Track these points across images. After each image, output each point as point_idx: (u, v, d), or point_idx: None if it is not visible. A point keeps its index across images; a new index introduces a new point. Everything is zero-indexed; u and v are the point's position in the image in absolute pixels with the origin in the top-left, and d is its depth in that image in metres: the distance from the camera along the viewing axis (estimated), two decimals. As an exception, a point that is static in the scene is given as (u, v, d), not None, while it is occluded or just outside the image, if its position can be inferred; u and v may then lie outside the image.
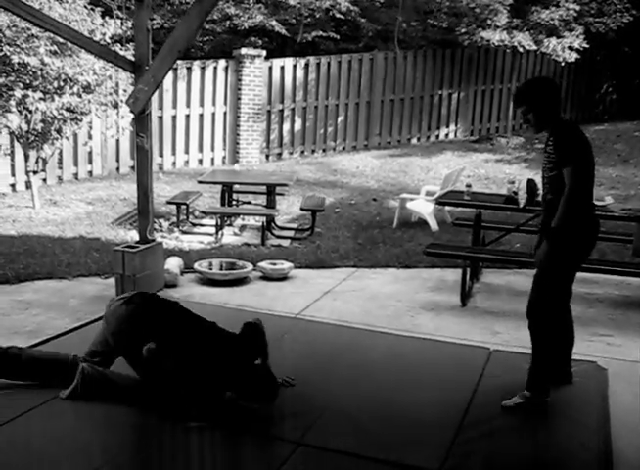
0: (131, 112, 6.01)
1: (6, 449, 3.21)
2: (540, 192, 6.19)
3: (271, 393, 3.59)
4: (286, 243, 8.16)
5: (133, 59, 6.01)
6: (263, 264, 6.72)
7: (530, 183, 6.16)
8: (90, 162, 11.47)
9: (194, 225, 8.82)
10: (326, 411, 3.66)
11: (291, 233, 8.67)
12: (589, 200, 3.92)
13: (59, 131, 9.21)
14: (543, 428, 3.61)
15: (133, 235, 7.78)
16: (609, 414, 3.87)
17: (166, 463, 3.24)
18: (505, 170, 12.21)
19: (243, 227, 8.86)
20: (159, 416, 3.55)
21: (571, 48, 13.37)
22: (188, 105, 12.24)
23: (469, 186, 6.51)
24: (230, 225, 8.87)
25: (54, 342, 4.58)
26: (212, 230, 8.33)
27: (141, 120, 5.93)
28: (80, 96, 8.97)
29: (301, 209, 8.77)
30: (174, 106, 12.10)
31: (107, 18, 9.31)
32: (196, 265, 6.58)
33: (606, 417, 3.79)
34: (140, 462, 3.24)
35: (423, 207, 8.82)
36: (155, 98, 11.68)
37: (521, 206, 6.04)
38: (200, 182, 8.88)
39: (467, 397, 3.91)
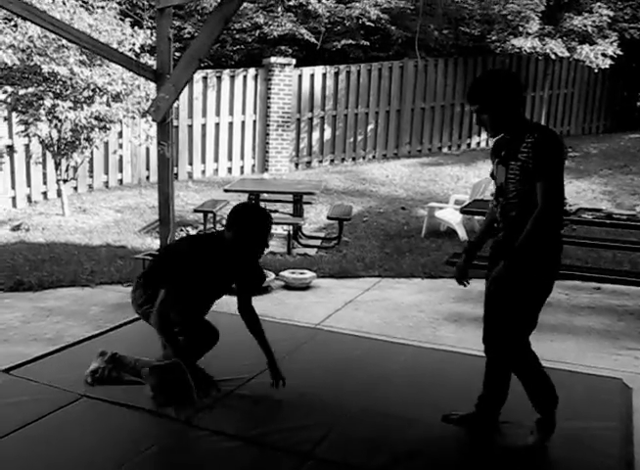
0: (153, 120, 6.01)
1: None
2: (567, 201, 6.11)
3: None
4: (312, 252, 8.11)
5: (155, 67, 6.02)
6: (285, 273, 6.68)
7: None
8: (121, 170, 11.57)
9: (221, 233, 8.80)
10: (337, 425, 3.59)
11: (318, 242, 8.62)
12: (560, 219, 3.37)
13: (88, 140, 9.29)
14: (565, 448, 3.48)
15: (159, 243, 7.79)
16: (632, 435, 3.73)
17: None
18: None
19: (270, 235, 8.80)
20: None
21: (604, 55, 13.15)
22: (218, 113, 12.28)
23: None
24: (257, 234, 8.82)
25: (72, 349, 4.60)
26: (239, 239, 8.30)
27: (163, 129, 5.92)
28: (109, 105, 9.05)
29: (328, 217, 8.71)
30: (204, 114, 12.16)
31: (136, 28, 9.40)
32: (218, 274, 6.55)
33: (629, 438, 3.66)
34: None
35: (451, 216, 8.71)
36: (184, 106, 11.80)
37: (547, 215, 5.91)
38: (226, 191, 8.88)
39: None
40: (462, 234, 8.57)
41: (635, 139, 15.07)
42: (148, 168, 11.79)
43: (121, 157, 11.45)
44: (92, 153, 10.08)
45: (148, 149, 11.46)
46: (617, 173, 12.88)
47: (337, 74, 13.18)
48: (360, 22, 13.30)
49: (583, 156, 14.15)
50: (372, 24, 13.44)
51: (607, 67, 13.36)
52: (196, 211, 8.94)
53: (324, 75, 13.09)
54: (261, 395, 3.93)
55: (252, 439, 3.44)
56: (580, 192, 11.35)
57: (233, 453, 3.33)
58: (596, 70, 13.73)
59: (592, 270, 6.15)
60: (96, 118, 9.02)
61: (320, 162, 13.33)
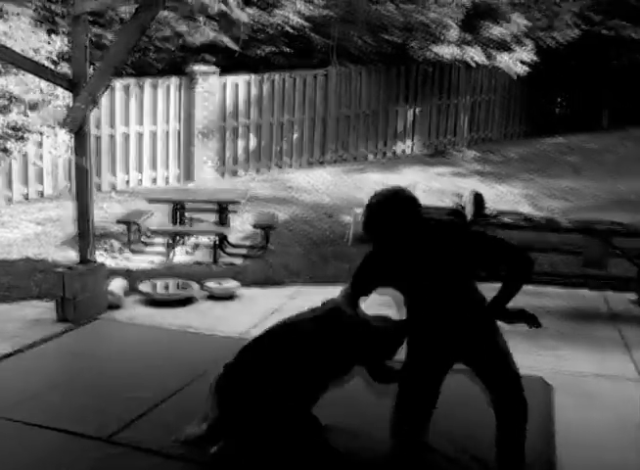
0: (70, 130, 5.87)
1: None
2: (487, 205, 6.25)
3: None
4: (239, 261, 8.06)
5: (71, 76, 5.88)
6: (210, 284, 6.61)
7: (477, 197, 6.17)
8: (41, 181, 11.20)
9: (145, 245, 8.65)
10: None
11: (243, 251, 8.56)
12: None
13: (5, 150, 9.01)
14: (488, 444, 3.50)
15: (80, 255, 7.60)
16: (553, 432, 3.82)
17: None
18: (459, 184, 12.25)
19: (196, 246, 8.72)
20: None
21: (522, 62, 13.53)
22: (140, 123, 12.06)
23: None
24: (184, 244, 8.73)
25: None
26: (164, 249, 8.19)
27: (80, 139, 5.80)
28: (27, 115, 8.80)
29: (254, 226, 8.67)
30: (126, 124, 11.91)
31: (52, 35, 9.17)
32: (140, 286, 6.44)
33: (550, 434, 3.74)
34: None
35: (376, 221, 8.76)
36: (106, 116, 11.55)
37: (468, 219, 6.02)
38: (150, 201, 8.74)
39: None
40: (387, 239, 8.64)
41: (553, 144, 15.55)
42: (69, 180, 11.48)
43: (41, 168, 11.12)
44: (10, 164, 9.76)
45: (69, 160, 11.16)
46: (536, 177, 13.25)
47: (261, 83, 13.13)
48: (283, 29, 13.30)
49: (504, 160, 14.50)
50: (295, 32, 13.45)
51: (524, 74, 13.74)
52: (119, 222, 8.75)
53: (248, 84, 13.01)
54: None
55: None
56: (501, 195, 11.62)
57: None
58: (515, 78, 14.09)
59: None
60: (12, 128, 8.76)
61: (246, 170, 13.24)
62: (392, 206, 3.19)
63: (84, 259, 5.95)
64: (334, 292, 6.80)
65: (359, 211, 9.18)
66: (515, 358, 5.06)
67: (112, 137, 11.76)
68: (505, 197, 11.51)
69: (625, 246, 6.83)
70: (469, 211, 5.99)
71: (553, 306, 6.54)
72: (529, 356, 5.24)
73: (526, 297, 6.64)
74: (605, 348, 5.45)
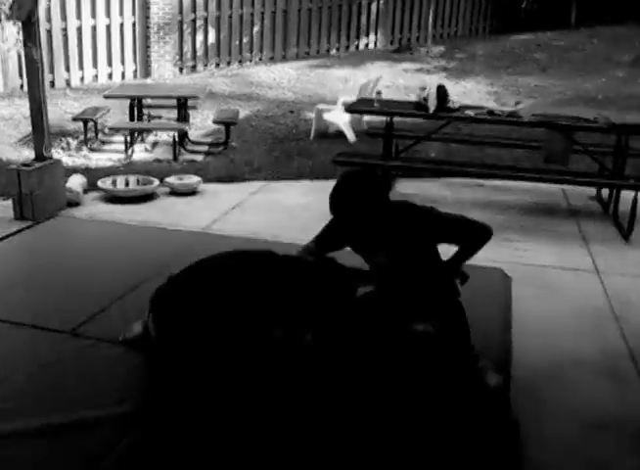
0: (17, 18, 5.58)
1: None
2: (450, 98, 6.16)
3: None
4: (199, 158, 7.92)
5: (15, -40, 5.54)
6: (170, 179, 6.50)
7: (440, 89, 6.06)
8: (-9, 79, 10.80)
9: (103, 143, 8.45)
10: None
11: (204, 148, 8.40)
12: None
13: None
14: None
15: (35, 153, 7.40)
16: (510, 321, 3.88)
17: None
18: (424, 80, 12.07)
19: (155, 143, 8.53)
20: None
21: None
22: (93, 15, 11.53)
23: (379, 93, 6.36)
24: (142, 142, 8.54)
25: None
26: (123, 147, 8.00)
27: (28, 29, 5.52)
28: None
29: (214, 122, 8.49)
30: (78, 16, 11.39)
31: None
32: (99, 182, 6.31)
33: (508, 325, 3.80)
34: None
35: (339, 118, 8.64)
36: (57, 7, 11.02)
37: (430, 112, 5.94)
38: (106, 97, 8.47)
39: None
40: (350, 136, 8.56)
41: (520, 40, 15.31)
42: (21, 76, 11.04)
43: (-10, 64, 10.66)
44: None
45: (19, 55, 10.69)
46: (502, 74, 13.10)
47: (219, -28, 12.61)
48: None
49: (470, 57, 14.28)
50: None
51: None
52: (75, 119, 8.49)
53: (205, -26, 12.49)
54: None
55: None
56: (466, 92, 11.49)
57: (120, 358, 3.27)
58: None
59: (476, 167, 6.27)
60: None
61: (205, 66, 12.86)
62: (360, 190, 3.11)
63: (40, 156, 5.78)
64: (296, 187, 6.84)
65: (322, 107, 9.05)
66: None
67: (64, 31, 11.26)
68: (470, 94, 11.38)
69: (587, 142, 6.86)
70: (432, 104, 5.89)
71: (514, 201, 6.59)
72: (491, 249, 5.23)
73: (489, 192, 6.72)
74: (564, 241, 5.54)
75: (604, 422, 3.09)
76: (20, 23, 8.69)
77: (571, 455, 2.86)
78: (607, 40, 15.08)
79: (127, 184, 6.52)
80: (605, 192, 6.53)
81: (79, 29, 11.47)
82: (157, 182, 6.41)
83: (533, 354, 3.67)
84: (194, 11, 12.50)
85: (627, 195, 5.92)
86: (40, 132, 5.78)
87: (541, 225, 5.93)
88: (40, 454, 2.57)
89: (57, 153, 7.62)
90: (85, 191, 6.33)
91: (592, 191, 6.75)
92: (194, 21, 12.56)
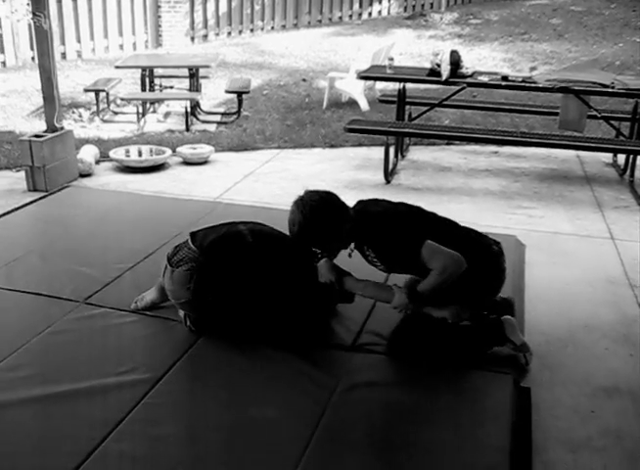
0: (25, -13, 5.53)
1: None
2: (464, 64, 6.07)
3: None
4: (212, 128, 7.88)
5: None
6: (182, 149, 6.48)
7: (454, 54, 5.97)
8: (2, 51, 10.77)
9: (115, 114, 8.43)
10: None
11: (217, 117, 8.37)
12: None
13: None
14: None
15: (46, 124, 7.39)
16: (524, 289, 3.86)
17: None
18: (438, 47, 11.92)
19: (167, 114, 8.51)
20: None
21: None
22: (104, -15, 11.48)
23: (391, 60, 6.27)
24: (154, 112, 8.52)
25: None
26: (135, 118, 7.98)
27: (37, -2, 5.48)
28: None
29: (226, 91, 8.43)
30: (89, -14, 11.34)
31: None
32: (111, 153, 6.30)
33: (521, 291, 3.78)
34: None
35: (352, 86, 8.57)
36: (66, -22, 10.95)
37: (444, 78, 5.86)
38: (117, 67, 8.43)
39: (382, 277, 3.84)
40: (363, 104, 8.48)
41: (536, 6, 15.09)
42: (32, 48, 11.01)
43: (1, 36, 10.63)
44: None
45: (30, 27, 10.65)
46: (517, 40, 12.92)
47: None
48: None
49: (484, 23, 14.09)
50: None
51: None
52: (87, 90, 8.47)
53: (217, -59, 12.35)
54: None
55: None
56: (481, 59, 11.35)
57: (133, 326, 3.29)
58: None
59: (490, 134, 6.19)
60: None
61: (217, 35, 12.77)
62: (325, 218, 2.94)
63: (51, 127, 5.77)
64: (309, 156, 6.79)
65: (335, 75, 8.96)
66: (489, 218, 5.13)
67: (74, 1, 11.20)
68: (485, 61, 11.24)
69: (604, 108, 6.76)
70: (445, 70, 5.81)
71: (529, 168, 6.53)
72: (505, 215, 5.27)
73: (504, 159, 6.65)
74: (579, 208, 5.48)
75: (617, 388, 3.06)
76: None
77: (582, 421, 2.85)
78: (626, 4, 14.82)
79: (139, 154, 6.51)
80: (621, 158, 6.45)
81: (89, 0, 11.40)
82: (169, 152, 6.40)
83: (546, 321, 3.64)
84: (205, -21, 12.40)
85: (643, 161, 5.86)
86: (51, 103, 5.76)
87: (556, 192, 5.87)
88: (55, 421, 2.59)
89: (69, 124, 7.61)
90: (97, 162, 6.33)
91: (608, 157, 6.67)
92: (205, -11, 12.47)
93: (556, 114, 6.42)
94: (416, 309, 2.99)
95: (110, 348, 3.10)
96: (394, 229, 2.98)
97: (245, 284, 3.09)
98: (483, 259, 3.04)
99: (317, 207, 2.92)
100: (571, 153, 6.72)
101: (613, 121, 6.36)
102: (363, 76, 6.68)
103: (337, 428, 2.62)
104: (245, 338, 3.15)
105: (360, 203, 3.19)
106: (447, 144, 7.15)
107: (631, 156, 6.04)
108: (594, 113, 6.06)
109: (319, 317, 3.32)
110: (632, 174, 6.02)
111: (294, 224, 2.93)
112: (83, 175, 6.00)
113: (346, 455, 2.48)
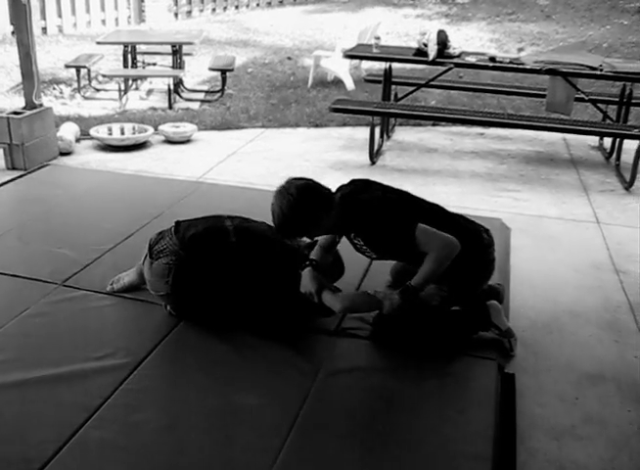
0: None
1: None
2: (451, 44, 5.99)
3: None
4: (195, 106, 7.77)
5: None
6: (165, 127, 6.38)
7: (441, 34, 5.90)
8: (-19, 25, 10.55)
9: (97, 90, 8.29)
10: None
11: (200, 95, 8.26)
12: None
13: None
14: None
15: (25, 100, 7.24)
16: (509, 273, 3.83)
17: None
18: (425, 26, 11.82)
19: (150, 91, 8.38)
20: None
21: None
22: (86, -42, 11.26)
23: (378, 39, 6.18)
24: (137, 89, 8.39)
25: None
26: (117, 95, 7.84)
27: (15, -31, 5.33)
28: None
29: (210, 69, 8.31)
30: (70, -41, 11.11)
31: None
32: (92, 131, 6.18)
33: (506, 275, 3.75)
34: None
35: (338, 65, 8.47)
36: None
37: (430, 58, 5.79)
38: (99, 43, 8.27)
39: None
40: (349, 83, 8.40)
41: (523, -15, 14.97)
42: (12, 23, 10.79)
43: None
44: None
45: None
46: (504, 21, 12.84)
47: None
48: None
49: (472, 2, 14.00)
50: None
51: None
52: (67, 66, 8.31)
53: None
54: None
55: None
56: (468, 39, 11.27)
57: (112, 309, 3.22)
58: None
59: (477, 115, 6.14)
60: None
61: (201, 11, 12.60)
62: (308, 206, 2.80)
63: (30, 104, 5.64)
64: (294, 135, 6.71)
65: (320, 53, 8.85)
66: (475, 201, 5.09)
67: (55, -26, 10.99)
68: (472, 41, 11.16)
69: (591, 90, 6.72)
70: (432, 50, 5.73)
71: (515, 150, 6.49)
72: (490, 198, 5.23)
73: (490, 141, 6.60)
74: (565, 191, 5.45)
75: (601, 375, 3.04)
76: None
77: (567, 408, 2.83)
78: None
79: (121, 132, 6.39)
80: (607, 141, 6.42)
81: (71, -27, 11.19)
82: (151, 130, 6.29)
83: (532, 305, 3.61)
84: (188, -47, 12.20)
85: (630, 145, 5.81)
86: (30, 79, 5.63)
87: (542, 175, 5.83)
88: (32, 406, 2.53)
89: (49, 101, 7.48)
90: (78, 140, 6.21)
91: (594, 140, 6.64)
92: (188, -37, 12.27)
93: (543, 96, 6.38)
94: (410, 307, 2.92)
95: (89, 331, 3.04)
96: (384, 216, 2.90)
97: (223, 283, 3.02)
98: (474, 249, 3.00)
99: (300, 195, 2.77)
100: (558, 135, 6.68)
101: (600, 104, 6.32)
102: (349, 55, 6.58)
103: (319, 415, 2.59)
104: (226, 322, 3.10)
105: (350, 185, 3.08)
106: (433, 125, 7.09)
107: (618, 139, 6.00)
108: (581, 95, 6.01)
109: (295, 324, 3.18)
110: (618, 158, 5.99)
111: (276, 214, 2.80)
112: (63, 154, 5.88)
113: (329, 442, 2.45)
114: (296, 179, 2.85)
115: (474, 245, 3.01)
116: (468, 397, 2.76)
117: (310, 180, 2.90)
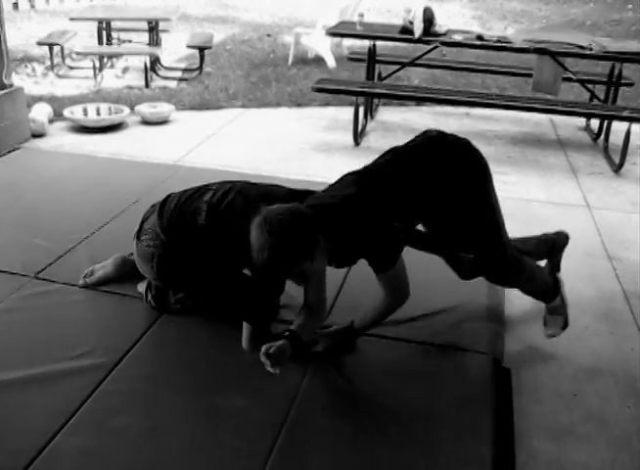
0: None
1: None
2: (437, 22, 5.83)
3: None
4: (173, 84, 7.55)
5: None
6: (142, 108, 6.17)
7: (427, 11, 5.73)
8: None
9: (71, 68, 8.04)
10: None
11: (178, 73, 8.04)
12: None
13: None
14: (431, 272, 3.37)
15: None
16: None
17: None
18: (407, 3, 11.62)
19: (126, 69, 8.15)
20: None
21: None
22: None
23: (361, 16, 6.01)
24: (112, 67, 8.15)
25: None
26: (91, 73, 7.60)
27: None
28: None
29: (188, 46, 8.09)
30: None
31: None
32: (66, 112, 5.96)
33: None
34: None
35: (319, 42, 8.29)
36: None
37: (416, 36, 5.63)
38: (72, 19, 8.00)
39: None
40: (330, 61, 8.22)
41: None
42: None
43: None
44: None
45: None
46: (487, -3, 12.69)
47: None
48: None
49: (453, -22, 13.78)
50: None
51: None
52: (40, 44, 8.04)
53: None
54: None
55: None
56: (451, 17, 11.11)
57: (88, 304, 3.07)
58: None
59: (464, 95, 5.98)
60: None
61: (178, -15, 12.28)
62: (296, 235, 2.34)
63: (0, 83, 5.41)
64: (275, 115, 6.54)
65: (300, 30, 8.65)
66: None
67: (25, -54, 10.65)
68: (455, 18, 11.00)
69: (576, 70, 6.59)
70: (418, 28, 5.57)
71: (501, 131, 6.37)
72: (478, 182, 5.11)
73: (475, 121, 6.47)
74: (553, 174, 5.34)
75: (598, 369, 2.94)
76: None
77: (565, 405, 2.72)
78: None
79: (97, 113, 6.17)
80: (594, 122, 6.31)
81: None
82: (127, 111, 6.08)
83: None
84: None
85: (617, 126, 5.71)
86: None
87: (529, 156, 5.72)
88: (3, 412, 2.38)
89: (21, 80, 7.22)
90: (51, 121, 5.98)
91: (581, 121, 6.53)
92: (164, -64, 11.93)
93: (528, 75, 6.25)
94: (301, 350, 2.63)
95: (64, 328, 2.88)
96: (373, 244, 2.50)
97: (202, 273, 2.77)
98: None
99: (285, 223, 2.33)
100: (544, 116, 6.56)
101: (588, 84, 6.20)
102: (332, 33, 6.39)
103: (308, 414, 2.46)
104: (210, 316, 2.95)
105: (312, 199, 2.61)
106: (417, 105, 6.94)
107: (606, 120, 5.90)
108: (569, 75, 5.89)
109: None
110: (607, 139, 5.89)
111: (261, 250, 2.32)
112: (35, 136, 5.65)
113: (320, 444, 2.33)
114: (275, 208, 2.39)
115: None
116: (464, 394, 2.64)
117: (291, 206, 2.43)
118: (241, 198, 2.74)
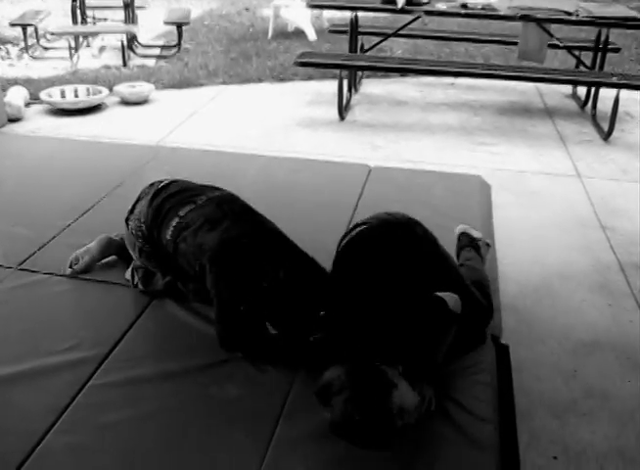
0: None
1: None
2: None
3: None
4: (151, 62, 7.41)
5: None
6: (120, 88, 6.03)
7: (410, -20, 5.60)
8: None
9: (46, 49, 7.85)
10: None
11: (156, 51, 7.90)
12: None
13: None
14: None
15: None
16: (493, 233, 3.65)
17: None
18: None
19: (102, 48, 7.98)
20: None
21: None
22: None
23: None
24: (88, 47, 7.97)
25: None
26: (67, 54, 7.42)
27: None
28: None
29: (165, 22, 7.90)
30: None
31: None
32: (42, 94, 5.80)
33: (490, 234, 3.56)
34: None
35: (299, 14, 8.14)
36: None
37: (399, 6, 5.50)
38: (45, -3, 7.82)
39: (347, 217, 3.57)
40: (311, 34, 8.08)
41: None
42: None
43: None
44: None
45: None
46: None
47: None
48: None
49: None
50: None
51: None
52: (13, 24, 7.82)
53: None
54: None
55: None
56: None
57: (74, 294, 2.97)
58: None
59: (449, 66, 5.88)
60: None
61: (152, -39, 12.01)
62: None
63: (-27, 66, 5.26)
64: (257, 91, 6.42)
65: (279, 3, 8.48)
66: (451, 157, 4.89)
67: None
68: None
69: (561, 36, 6.50)
70: (401, -3, 5.45)
71: (487, 100, 6.29)
72: (467, 153, 5.04)
73: (461, 91, 6.38)
74: (542, 143, 5.29)
75: (597, 342, 2.91)
76: None
77: (565, 382, 2.68)
78: None
79: (75, 95, 6.02)
80: (581, 90, 6.24)
81: None
82: (105, 91, 5.93)
83: (519, 269, 3.45)
84: None
85: (605, 92, 5.65)
86: (-29, 40, 5.23)
87: (517, 126, 5.66)
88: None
89: (-6, 62, 7.06)
90: (27, 104, 5.84)
91: (568, 88, 6.46)
92: None
93: (512, 43, 6.16)
94: None
95: (49, 321, 2.77)
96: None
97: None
98: None
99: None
100: (530, 84, 6.49)
101: (574, 51, 6.12)
102: (312, 5, 6.24)
103: (305, 404, 2.39)
104: (200, 304, 2.87)
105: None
106: (401, 76, 6.84)
107: (593, 88, 5.82)
108: (555, 42, 5.80)
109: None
110: (594, 107, 5.82)
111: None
112: (11, 120, 5.51)
113: (322, 431, 2.26)
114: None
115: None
116: (463, 371, 2.57)
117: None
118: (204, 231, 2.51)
